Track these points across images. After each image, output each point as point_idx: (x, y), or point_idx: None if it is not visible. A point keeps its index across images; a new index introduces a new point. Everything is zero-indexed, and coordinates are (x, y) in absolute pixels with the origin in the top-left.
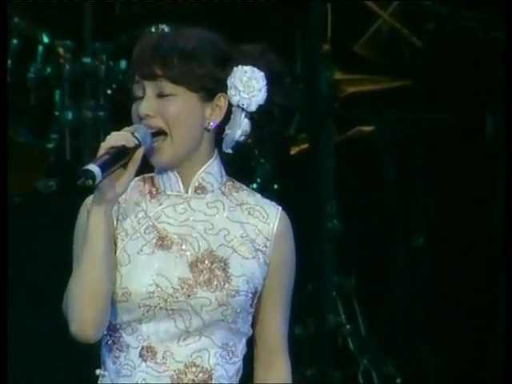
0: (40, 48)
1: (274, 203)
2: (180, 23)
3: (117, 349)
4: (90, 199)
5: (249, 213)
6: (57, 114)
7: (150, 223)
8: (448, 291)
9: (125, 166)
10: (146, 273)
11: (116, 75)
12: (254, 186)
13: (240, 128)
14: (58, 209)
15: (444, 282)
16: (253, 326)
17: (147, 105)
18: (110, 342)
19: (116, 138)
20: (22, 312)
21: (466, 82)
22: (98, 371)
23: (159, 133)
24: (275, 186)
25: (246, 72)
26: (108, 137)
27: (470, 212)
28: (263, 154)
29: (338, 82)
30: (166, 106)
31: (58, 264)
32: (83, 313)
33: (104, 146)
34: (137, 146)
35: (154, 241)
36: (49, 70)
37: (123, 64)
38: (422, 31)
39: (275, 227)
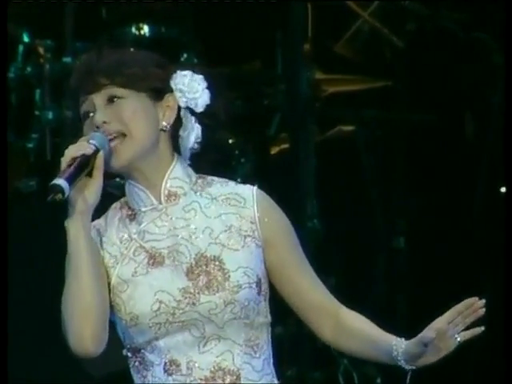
0: (20, 47)
1: (248, 185)
2: (163, 24)
3: (144, 368)
4: None
5: (226, 203)
6: (37, 113)
7: (137, 245)
8: (428, 292)
9: (90, 174)
10: (146, 293)
11: None
12: None
13: (193, 132)
14: (39, 208)
15: (424, 282)
16: (292, 300)
17: (100, 113)
18: (136, 363)
19: (74, 149)
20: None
21: (446, 82)
22: None
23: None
24: (255, 186)
25: (185, 75)
26: (66, 150)
27: (450, 212)
28: (244, 153)
29: (318, 82)
30: (120, 109)
31: (39, 263)
32: (79, 329)
33: (64, 160)
34: (96, 152)
35: (146, 260)
36: (29, 69)
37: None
38: (402, 31)
39: (255, 208)
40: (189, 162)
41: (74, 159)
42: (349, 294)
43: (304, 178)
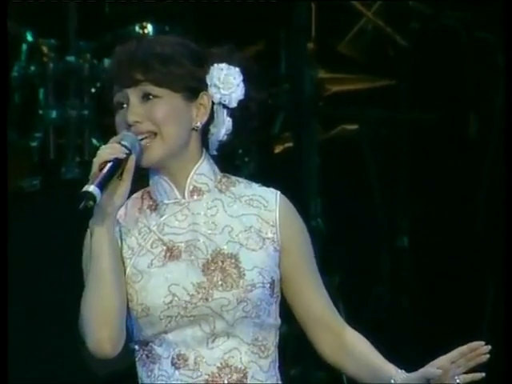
0: (24, 47)
1: (271, 189)
2: (166, 23)
3: (150, 362)
4: None
5: (249, 204)
6: (41, 112)
7: (156, 237)
8: (432, 291)
9: (119, 176)
10: (160, 285)
11: (100, 74)
12: None
13: (224, 126)
14: (42, 207)
15: (428, 281)
16: (297, 310)
17: (133, 111)
18: (143, 356)
19: (107, 152)
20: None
21: (449, 81)
22: None
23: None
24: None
25: (222, 69)
26: (98, 152)
27: (454, 212)
28: (248, 152)
29: (322, 81)
30: (153, 109)
31: (43, 262)
32: (98, 331)
33: (97, 162)
34: (128, 155)
35: (163, 253)
36: (33, 68)
37: (107, 63)
38: (406, 30)
39: (277, 213)
40: (215, 153)
41: (106, 162)
42: (352, 292)
43: (307, 177)
